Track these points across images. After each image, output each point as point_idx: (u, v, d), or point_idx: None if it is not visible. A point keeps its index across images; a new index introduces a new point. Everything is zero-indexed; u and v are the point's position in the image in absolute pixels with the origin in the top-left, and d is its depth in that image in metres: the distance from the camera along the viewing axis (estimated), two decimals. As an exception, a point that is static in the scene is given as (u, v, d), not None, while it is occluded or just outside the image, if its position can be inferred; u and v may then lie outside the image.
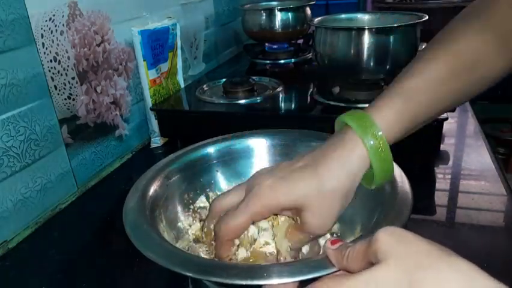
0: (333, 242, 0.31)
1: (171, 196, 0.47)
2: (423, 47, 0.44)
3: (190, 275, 0.32)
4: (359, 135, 0.36)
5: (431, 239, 0.26)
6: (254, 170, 0.47)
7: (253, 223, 0.38)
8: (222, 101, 0.85)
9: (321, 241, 0.41)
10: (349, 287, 0.26)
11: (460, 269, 0.23)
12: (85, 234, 0.62)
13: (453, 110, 0.71)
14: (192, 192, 0.50)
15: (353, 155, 0.36)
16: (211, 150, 0.53)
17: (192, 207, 0.50)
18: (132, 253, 0.53)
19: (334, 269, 0.30)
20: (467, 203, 0.60)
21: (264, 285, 0.31)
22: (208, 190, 0.52)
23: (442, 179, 0.69)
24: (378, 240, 0.26)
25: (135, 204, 0.41)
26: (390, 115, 0.37)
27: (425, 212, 0.59)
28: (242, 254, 0.39)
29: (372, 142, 0.35)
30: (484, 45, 0.40)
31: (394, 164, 0.44)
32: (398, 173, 0.42)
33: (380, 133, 0.36)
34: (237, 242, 0.39)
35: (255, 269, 0.32)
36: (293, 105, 0.86)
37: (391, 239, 0.26)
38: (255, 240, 0.40)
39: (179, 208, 0.48)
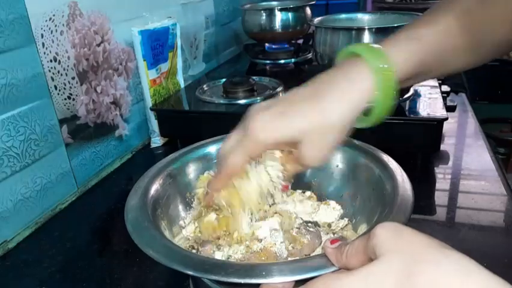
0: (332, 242, 0.31)
1: (173, 195, 0.48)
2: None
3: (190, 273, 0.32)
4: (369, 65, 0.34)
5: None
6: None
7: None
8: (222, 101, 0.85)
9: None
10: (348, 284, 0.26)
11: (458, 262, 0.23)
12: (85, 234, 0.62)
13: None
14: (193, 191, 0.51)
15: (358, 87, 0.34)
16: (212, 149, 0.53)
17: (193, 206, 0.50)
18: (132, 253, 0.54)
19: (334, 268, 0.30)
20: (467, 203, 0.60)
21: (262, 284, 0.31)
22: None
23: (442, 178, 0.69)
24: (376, 235, 0.26)
25: (137, 202, 0.42)
26: (400, 52, 0.36)
27: (425, 212, 0.59)
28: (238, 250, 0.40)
29: (382, 74, 0.34)
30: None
31: (396, 163, 0.44)
32: (399, 172, 0.43)
33: (391, 64, 0.34)
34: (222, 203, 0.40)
35: (254, 268, 0.32)
36: (293, 105, 0.86)
37: (389, 234, 0.26)
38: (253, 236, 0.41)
39: (180, 207, 0.48)
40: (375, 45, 0.36)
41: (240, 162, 0.37)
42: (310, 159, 0.36)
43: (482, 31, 0.40)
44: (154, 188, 0.45)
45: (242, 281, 0.30)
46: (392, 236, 0.26)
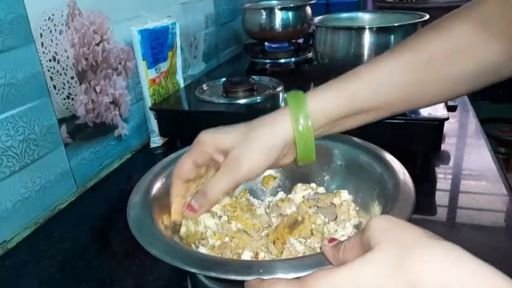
0: (330, 241, 0.31)
1: None
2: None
3: (191, 270, 0.32)
4: (290, 112, 0.40)
5: None
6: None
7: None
8: (221, 101, 0.85)
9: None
10: (342, 276, 0.26)
11: (451, 251, 0.24)
12: (85, 234, 0.62)
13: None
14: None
15: (280, 122, 0.40)
16: None
17: None
18: (131, 253, 0.54)
19: (331, 266, 0.30)
20: (468, 203, 0.60)
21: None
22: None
23: (443, 178, 0.69)
24: (371, 227, 0.27)
25: (139, 200, 0.42)
26: (327, 96, 0.40)
27: (425, 212, 0.59)
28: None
29: (300, 122, 0.39)
30: (440, 45, 0.39)
31: (398, 162, 0.44)
32: (401, 171, 0.43)
33: (307, 112, 0.39)
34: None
35: (252, 265, 0.32)
36: (293, 105, 0.86)
37: (383, 225, 0.27)
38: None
39: None
40: (302, 94, 0.40)
41: (186, 164, 0.43)
42: (241, 168, 0.40)
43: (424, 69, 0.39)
44: (156, 186, 0.45)
45: (240, 278, 0.31)
46: (385, 227, 0.26)
